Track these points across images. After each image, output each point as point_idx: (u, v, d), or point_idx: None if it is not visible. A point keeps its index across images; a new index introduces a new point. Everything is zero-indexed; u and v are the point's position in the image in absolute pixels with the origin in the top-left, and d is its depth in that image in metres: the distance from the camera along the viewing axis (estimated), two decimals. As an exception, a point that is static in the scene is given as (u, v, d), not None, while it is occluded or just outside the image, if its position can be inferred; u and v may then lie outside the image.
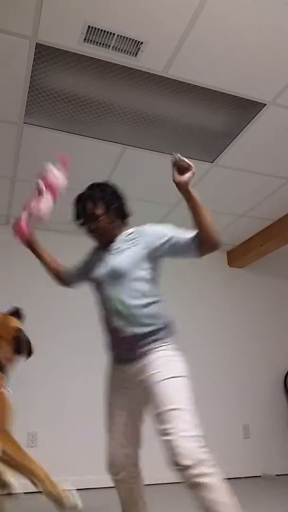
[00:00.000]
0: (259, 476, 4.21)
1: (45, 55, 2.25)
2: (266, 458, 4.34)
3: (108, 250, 1.89)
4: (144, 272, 1.76)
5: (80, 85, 2.46)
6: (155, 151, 3.06)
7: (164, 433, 1.49)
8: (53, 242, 4.29)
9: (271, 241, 4.32)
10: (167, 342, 1.68)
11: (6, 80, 2.42)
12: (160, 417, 1.52)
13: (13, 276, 4.07)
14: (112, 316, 1.77)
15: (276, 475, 4.27)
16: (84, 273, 2.06)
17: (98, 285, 1.89)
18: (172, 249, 1.74)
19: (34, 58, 2.27)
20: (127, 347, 1.70)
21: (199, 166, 3.24)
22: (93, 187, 1.93)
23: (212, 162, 3.21)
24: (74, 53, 2.24)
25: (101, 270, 1.87)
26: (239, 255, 4.80)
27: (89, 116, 2.71)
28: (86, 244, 5.03)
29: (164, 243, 1.74)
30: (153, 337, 1.67)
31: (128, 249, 1.81)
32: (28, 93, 2.51)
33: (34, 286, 4.09)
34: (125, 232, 1.90)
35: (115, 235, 1.90)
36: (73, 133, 2.88)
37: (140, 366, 1.66)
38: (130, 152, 3.08)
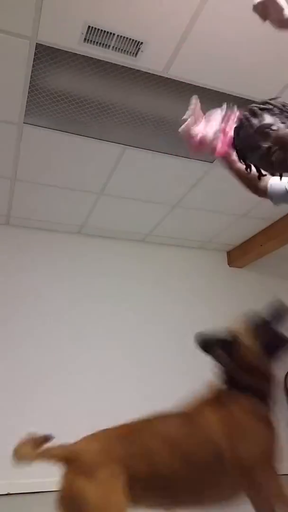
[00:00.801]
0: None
1: (45, 55, 2.25)
2: (266, 458, 4.34)
3: None
4: None
5: (80, 85, 2.46)
6: (155, 151, 3.06)
7: None
8: (53, 242, 4.32)
9: (271, 241, 4.31)
10: None
11: (6, 80, 2.42)
12: None
13: (13, 275, 4.07)
14: None
15: (276, 475, 4.27)
16: None
17: None
18: None
19: (34, 58, 2.27)
20: None
21: (199, 166, 3.25)
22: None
23: (212, 162, 3.21)
24: (74, 53, 2.24)
25: None
26: (239, 255, 4.80)
27: (89, 116, 2.71)
28: (87, 244, 4.99)
29: None
30: None
31: None
32: (28, 93, 2.51)
33: (34, 285, 4.09)
34: None
35: None
36: (73, 133, 2.88)
37: None
38: (130, 152, 3.08)
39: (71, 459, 1.44)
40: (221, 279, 4.87)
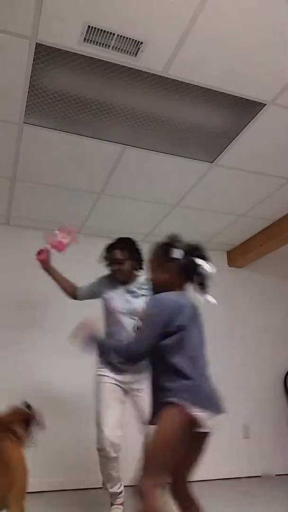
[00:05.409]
0: (259, 476, 4.21)
1: (45, 55, 2.25)
2: (266, 458, 4.34)
3: (126, 289, 2.85)
4: None
5: (80, 85, 2.46)
6: (155, 151, 3.06)
7: None
8: (53, 242, 4.30)
9: (271, 241, 4.32)
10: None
11: (6, 80, 2.42)
12: None
13: (13, 275, 4.07)
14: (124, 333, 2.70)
15: (276, 475, 4.27)
16: (94, 295, 2.97)
17: (115, 312, 2.77)
18: None
19: (34, 58, 2.27)
20: None
21: (198, 166, 3.25)
22: (120, 240, 2.88)
23: (212, 162, 3.21)
24: (74, 53, 2.24)
25: (122, 304, 2.79)
26: (239, 255, 4.81)
27: (89, 116, 2.71)
28: (87, 244, 5.00)
29: None
30: None
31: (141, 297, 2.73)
32: (28, 93, 2.51)
33: (34, 285, 4.09)
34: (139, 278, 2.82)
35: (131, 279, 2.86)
36: (73, 133, 2.88)
37: None
38: (130, 152, 3.08)
39: None
40: (221, 279, 4.86)
